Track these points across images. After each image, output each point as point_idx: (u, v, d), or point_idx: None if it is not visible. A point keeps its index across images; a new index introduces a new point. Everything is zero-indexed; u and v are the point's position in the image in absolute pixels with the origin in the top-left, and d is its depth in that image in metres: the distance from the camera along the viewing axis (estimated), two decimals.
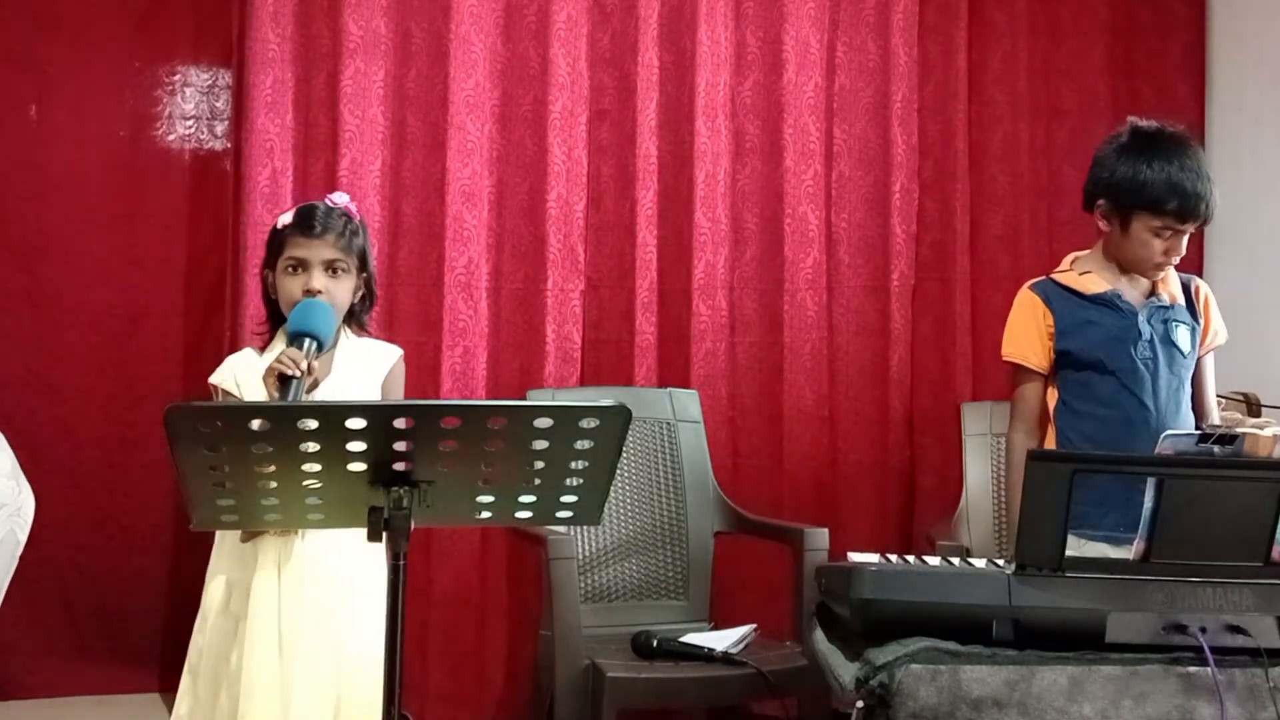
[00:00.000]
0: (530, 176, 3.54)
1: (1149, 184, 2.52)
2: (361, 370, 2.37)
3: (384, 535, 1.60)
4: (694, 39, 3.58)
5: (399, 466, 1.58)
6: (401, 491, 1.58)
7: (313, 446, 1.53)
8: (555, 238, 3.52)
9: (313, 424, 1.51)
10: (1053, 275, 2.71)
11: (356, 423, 1.52)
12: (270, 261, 2.36)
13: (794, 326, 3.64)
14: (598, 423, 1.58)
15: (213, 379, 2.36)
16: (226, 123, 3.67)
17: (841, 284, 3.72)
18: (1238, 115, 3.73)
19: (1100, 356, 2.59)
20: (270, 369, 2.10)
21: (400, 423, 1.53)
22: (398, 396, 2.40)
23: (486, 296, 3.51)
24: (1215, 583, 1.92)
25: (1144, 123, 2.62)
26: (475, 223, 3.48)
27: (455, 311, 3.45)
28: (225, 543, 2.30)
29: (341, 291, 2.33)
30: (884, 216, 3.71)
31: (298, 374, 2.05)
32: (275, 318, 2.38)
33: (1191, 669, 1.86)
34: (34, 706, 3.46)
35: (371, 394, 2.36)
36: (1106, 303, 2.61)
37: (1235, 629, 1.89)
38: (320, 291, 2.27)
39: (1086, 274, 2.65)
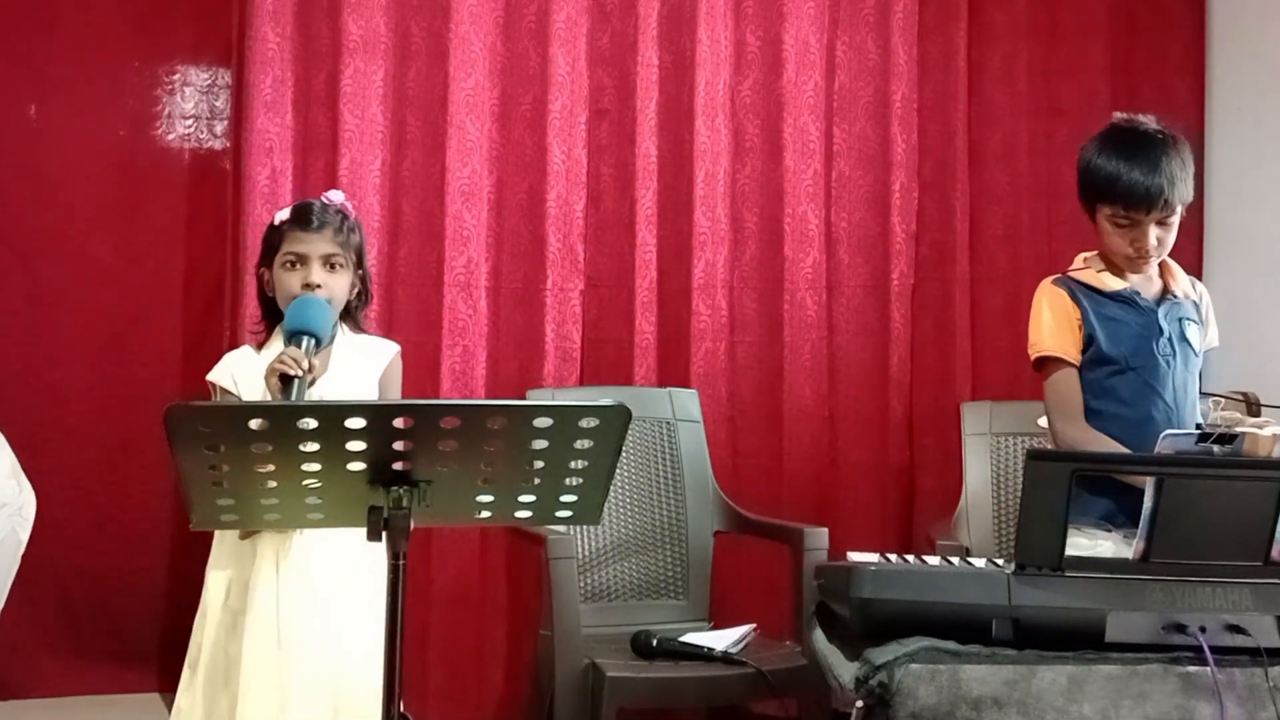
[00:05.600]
0: (530, 176, 3.54)
1: (1097, 172, 2.52)
2: (359, 367, 2.38)
3: (383, 535, 1.59)
4: (693, 38, 3.58)
5: (398, 466, 1.58)
6: (401, 491, 1.59)
7: (312, 446, 1.53)
8: (555, 237, 3.52)
9: (312, 424, 1.51)
10: (1069, 273, 2.65)
11: (356, 422, 1.52)
12: (267, 259, 2.38)
13: (794, 326, 3.63)
14: (597, 422, 1.58)
15: (211, 376, 2.37)
16: (226, 122, 3.66)
17: (841, 284, 3.71)
18: (1238, 115, 3.72)
19: (1123, 353, 2.53)
20: (272, 369, 2.11)
21: (400, 422, 1.53)
22: (395, 393, 2.42)
23: (486, 296, 3.51)
24: (1215, 582, 1.92)
25: (1123, 118, 2.62)
26: (475, 222, 3.48)
27: (455, 311, 3.46)
28: (225, 539, 2.32)
29: (339, 286, 2.35)
30: (884, 216, 3.71)
31: (299, 373, 2.07)
32: (272, 315, 2.39)
33: (1191, 669, 1.86)
34: (34, 706, 3.46)
35: (369, 391, 2.37)
36: (1126, 299, 2.57)
37: (1235, 629, 1.89)
38: (319, 285, 2.30)
39: (1102, 271, 2.62)
